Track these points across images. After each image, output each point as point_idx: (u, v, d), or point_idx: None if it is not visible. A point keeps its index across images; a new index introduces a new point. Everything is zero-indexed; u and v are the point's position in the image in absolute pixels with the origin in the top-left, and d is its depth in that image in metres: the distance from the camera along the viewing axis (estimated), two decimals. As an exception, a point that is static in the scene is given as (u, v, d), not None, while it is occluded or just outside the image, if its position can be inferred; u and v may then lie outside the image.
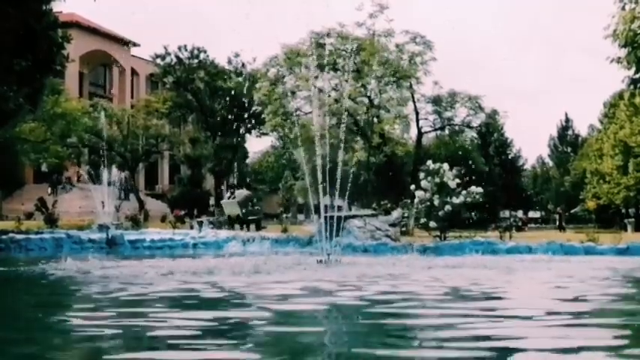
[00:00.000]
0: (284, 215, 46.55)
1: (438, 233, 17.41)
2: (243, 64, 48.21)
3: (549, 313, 5.12)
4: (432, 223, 17.35)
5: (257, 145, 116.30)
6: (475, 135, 50.02)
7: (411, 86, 40.14)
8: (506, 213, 51.17)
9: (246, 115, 47.64)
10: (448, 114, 43.36)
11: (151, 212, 33.33)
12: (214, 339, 4.19)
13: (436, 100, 42.37)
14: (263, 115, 40.78)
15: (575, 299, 6.23)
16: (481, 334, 4.15)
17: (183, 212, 34.94)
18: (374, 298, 6.19)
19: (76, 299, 6.61)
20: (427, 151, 41.75)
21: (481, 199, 17.60)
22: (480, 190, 17.38)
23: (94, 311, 5.47)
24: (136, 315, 4.99)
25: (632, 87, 22.75)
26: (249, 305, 5.90)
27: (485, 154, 54.81)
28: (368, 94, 38.26)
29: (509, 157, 61.70)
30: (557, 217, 50.37)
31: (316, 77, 35.43)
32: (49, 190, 40.30)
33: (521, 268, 10.28)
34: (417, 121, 42.07)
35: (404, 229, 20.47)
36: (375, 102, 39.42)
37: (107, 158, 34.35)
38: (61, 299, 6.69)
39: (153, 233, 18.02)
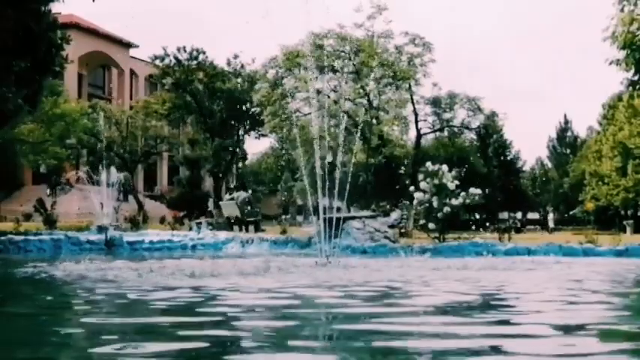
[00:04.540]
0: (283, 216, 46.57)
1: (437, 235, 17.38)
2: (242, 66, 48.27)
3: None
4: (431, 225, 17.32)
5: (256, 146, 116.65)
6: (474, 136, 50.11)
7: (410, 88, 40.21)
8: (505, 214, 51.14)
9: (245, 117, 47.66)
10: (447, 115, 43.48)
11: (149, 213, 33.29)
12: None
13: (435, 102, 42.45)
14: (262, 117, 40.81)
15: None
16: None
17: (182, 214, 34.96)
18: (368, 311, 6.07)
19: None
20: (426, 152, 41.80)
21: (480, 201, 17.58)
22: (478, 191, 17.35)
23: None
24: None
25: (630, 89, 22.80)
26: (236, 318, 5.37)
27: (485, 155, 54.84)
28: (367, 95, 38.28)
29: (509, 158, 61.71)
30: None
31: (315, 78, 35.45)
32: (48, 191, 40.25)
33: (531, 270, 10.20)
34: (416, 122, 42.16)
35: (403, 230, 20.47)
36: (374, 103, 39.46)
37: (106, 159, 34.36)
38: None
39: (152, 235, 17.99)
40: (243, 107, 45.70)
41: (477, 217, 19.75)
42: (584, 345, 3.97)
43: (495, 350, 3.77)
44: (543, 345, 3.92)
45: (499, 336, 4.22)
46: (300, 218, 47.26)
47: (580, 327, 4.63)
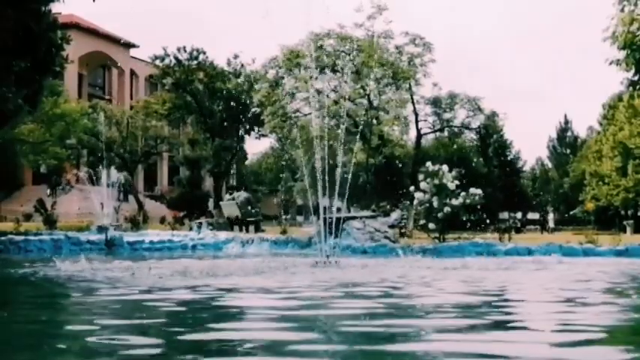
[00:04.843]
0: (283, 217, 46.57)
1: (437, 235, 17.37)
2: (242, 66, 48.25)
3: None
4: (431, 225, 17.31)
5: (256, 146, 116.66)
6: (474, 136, 50.14)
7: (410, 88, 40.21)
8: (506, 214, 51.13)
9: (245, 117, 47.66)
10: (447, 115, 43.53)
11: (150, 214, 33.30)
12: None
13: (435, 102, 42.49)
14: (262, 117, 40.81)
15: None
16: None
17: (182, 214, 34.96)
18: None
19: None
20: (426, 152, 41.84)
21: (480, 201, 17.57)
22: (479, 191, 17.33)
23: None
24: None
25: (630, 89, 22.82)
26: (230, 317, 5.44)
27: (485, 155, 54.85)
28: (367, 95, 38.28)
29: (509, 158, 61.72)
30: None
31: (315, 78, 35.46)
32: (48, 191, 40.28)
33: (533, 270, 10.17)
34: (417, 122, 42.19)
35: (403, 230, 20.45)
36: (375, 103, 39.46)
37: (106, 160, 34.37)
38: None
39: (152, 235, 17.97)
40: (244, 107, 45.72)
41: (477, 217, 19.74)
42: (596, 348, 3.86)
43: (500, 354, 3.65)
44: (551, 349, 3.81)
45: (504, 341, 4.08)
46: (300, 218, 47.28)
47: (590, 329, 4.51)
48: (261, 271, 9.35)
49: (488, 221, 20.06)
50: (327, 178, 10.85)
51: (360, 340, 4.13)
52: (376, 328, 4.52)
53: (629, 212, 47.37)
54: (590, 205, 51.62)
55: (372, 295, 6.59)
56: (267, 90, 39.14)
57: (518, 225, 39.44)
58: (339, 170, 11.19)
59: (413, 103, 41.32)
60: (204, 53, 47.74)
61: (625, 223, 41.12)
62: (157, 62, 48.24)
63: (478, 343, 3.93)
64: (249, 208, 22.93)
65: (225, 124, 47.98)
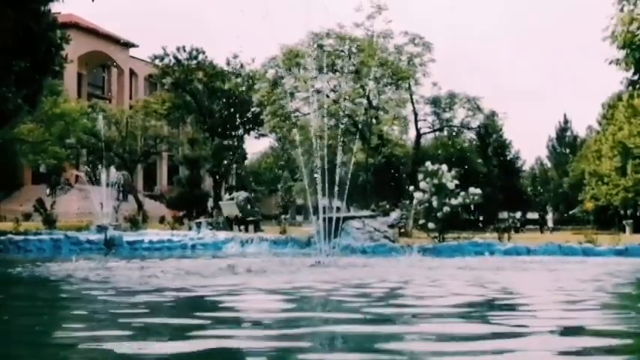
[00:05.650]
0: (282, 216, 46.58)
1: (437, 234, 17.39)
2: (241, 65, 48.23)
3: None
4: (431, 224, 17.33)
5: (256, 146, 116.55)
6: (474, 136, 50.12)
7: (409, 87, 40.18)
8: (505, 214, 51.13)
9: (244, 116, 47.63)
10: (447, 115, 43.45)
11: (149, 213, 33.28)
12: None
13: (435, 101, 42.44)
14: (262, 116, 40.80)
15: None
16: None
17: (181, 213, 34.97)
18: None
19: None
20: (426, 152, 41.77)
21: (480, 201, 17.58)
22: (478, 191, 17.35)
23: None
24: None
25: (630, 88, 22.83)
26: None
27: (484, 155, 54.80)
28: (367, 95, 38.25)
29: (508, 158, 61.67)
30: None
31: (315, 78, 35.44)
32: (48, 190, 40.26)
33: (533, 269, 10.15)
34: (416, 122, 42.13)
35: (402, 230, 20.47)
36: (374, 103, 39.46)
37: (105, 159, 34.36)
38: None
39: (151, 234, 17.98)
40: (243, 107, 45.68)
41: (477, 216, 19.76)
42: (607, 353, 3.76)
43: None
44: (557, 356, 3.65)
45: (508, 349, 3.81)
46: (299, 218, 47.30)
47: (598, 333, 4.41)
48: (261, 270, 9.34)
49: (487, 221, 20.07)
50: (326, 177, 10.86)
51: (362, 344, 4.07)
52: (377, 331, 4.49)
53: (629, 212, 47.34)
54: (589, 205, 51.61)
55: (371, 294, 6.59)
56: (267, 89, 39.11)
57: (518, 225, 39.47)
58: (338, 170, 11.20)
59: (412, 102, 41.29)
60: (204, 53, 47.76)
61: (624, 222, 41.11)
62: (157, 62, 48.22)
63: (480, 354, 3.65)
64: (249, 207, 22.93)
65: (225, 123, 47.96)
